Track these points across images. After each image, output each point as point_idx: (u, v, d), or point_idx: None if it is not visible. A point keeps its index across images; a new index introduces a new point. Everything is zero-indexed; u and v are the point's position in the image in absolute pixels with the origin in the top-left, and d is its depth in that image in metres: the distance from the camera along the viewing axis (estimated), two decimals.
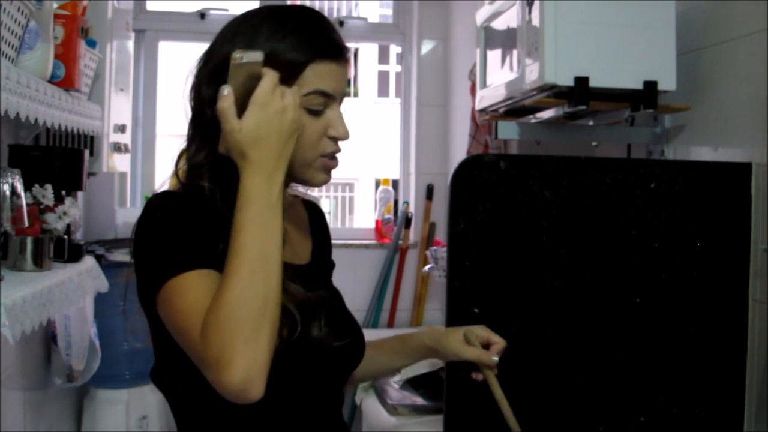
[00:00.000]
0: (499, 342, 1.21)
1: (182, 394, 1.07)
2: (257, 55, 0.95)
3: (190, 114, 1.09)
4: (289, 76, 1.01)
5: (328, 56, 1.04)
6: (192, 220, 1.00)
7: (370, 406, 2.32)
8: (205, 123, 1.04)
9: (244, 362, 0.85)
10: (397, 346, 1.31)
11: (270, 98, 0.94)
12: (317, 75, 1.03)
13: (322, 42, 1.05)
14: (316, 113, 1.05)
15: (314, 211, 1.30)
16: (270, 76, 0.95)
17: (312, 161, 1.07)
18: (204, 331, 0.88)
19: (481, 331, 1.23)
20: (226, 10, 3.30)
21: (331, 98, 1.06)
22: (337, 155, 1.10)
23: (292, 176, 1.08)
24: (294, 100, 0.97)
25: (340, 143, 1.09)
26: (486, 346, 1.22)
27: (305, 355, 1.03)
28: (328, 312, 1.10)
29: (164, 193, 1.08)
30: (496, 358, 1.19)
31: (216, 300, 0.89)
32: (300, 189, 1.21)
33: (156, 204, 1.03)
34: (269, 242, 0.92)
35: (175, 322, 0.94)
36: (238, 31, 1.05)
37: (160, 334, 1.00)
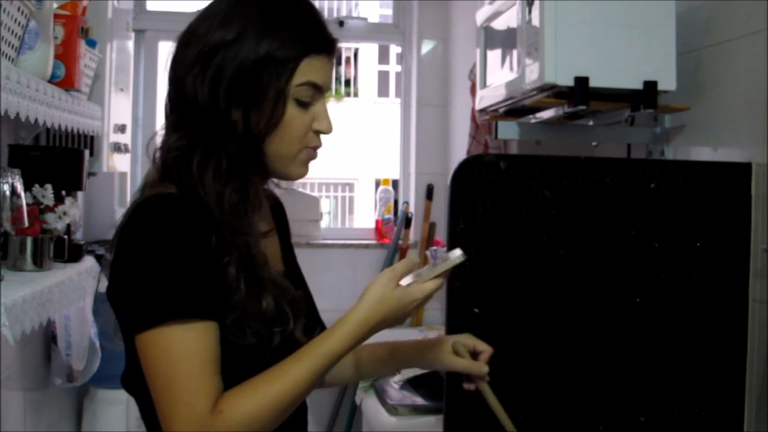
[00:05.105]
0: (486, 350, 1.19)
1: (152, 400, 0.98)
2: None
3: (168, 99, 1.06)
4: (283, 72, 1.01)
5: (323, 50, 1.05)
6: (195, 245, 0.95)
7: (370, 406, 2.32)
8: (195, 112, 1.01)
9: None
10: (384, 356, 1.27)
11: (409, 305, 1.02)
12: (311, 68, 1.03)
13: (317, 36, 1.05)
14: (304, 105, 1.05)
15: (277, 206, 1.26)
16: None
17: (296, 154, 1.06)
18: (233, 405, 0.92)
19: (468, 340, 1.20)
20: None
21: (320, 91, 1.06)
22: (323, 151, 1.09)
23: (271, 170, 1.08)
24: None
25: (323, 138, 1.09)
26: (474, 354, 1.20)
27: (285, 356, 1.00)
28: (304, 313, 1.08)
29: (164, 199, 0.99)
30: (486, 369, 1.17)
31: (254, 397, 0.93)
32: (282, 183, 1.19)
33: (155, 215, 0.97)
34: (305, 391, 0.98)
35: (167, 369, 0.92)
36: (230, 17, 1.01)
37: (132, 340, 0.96)
